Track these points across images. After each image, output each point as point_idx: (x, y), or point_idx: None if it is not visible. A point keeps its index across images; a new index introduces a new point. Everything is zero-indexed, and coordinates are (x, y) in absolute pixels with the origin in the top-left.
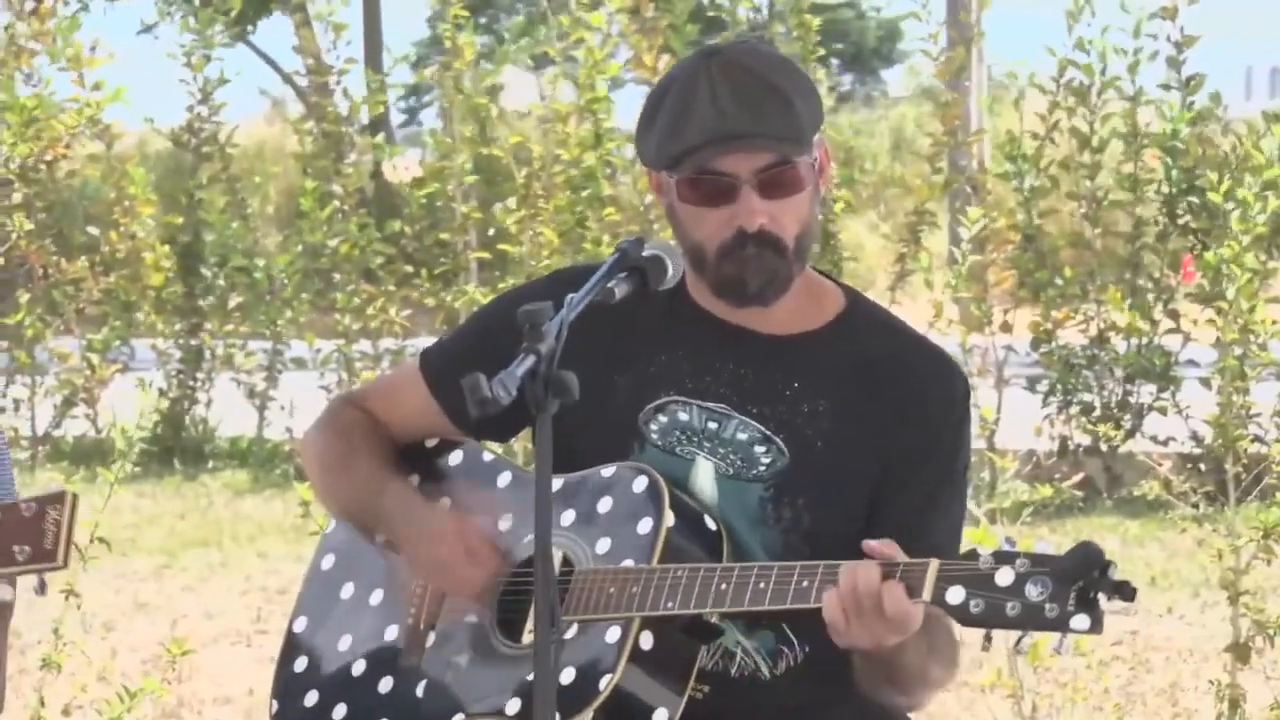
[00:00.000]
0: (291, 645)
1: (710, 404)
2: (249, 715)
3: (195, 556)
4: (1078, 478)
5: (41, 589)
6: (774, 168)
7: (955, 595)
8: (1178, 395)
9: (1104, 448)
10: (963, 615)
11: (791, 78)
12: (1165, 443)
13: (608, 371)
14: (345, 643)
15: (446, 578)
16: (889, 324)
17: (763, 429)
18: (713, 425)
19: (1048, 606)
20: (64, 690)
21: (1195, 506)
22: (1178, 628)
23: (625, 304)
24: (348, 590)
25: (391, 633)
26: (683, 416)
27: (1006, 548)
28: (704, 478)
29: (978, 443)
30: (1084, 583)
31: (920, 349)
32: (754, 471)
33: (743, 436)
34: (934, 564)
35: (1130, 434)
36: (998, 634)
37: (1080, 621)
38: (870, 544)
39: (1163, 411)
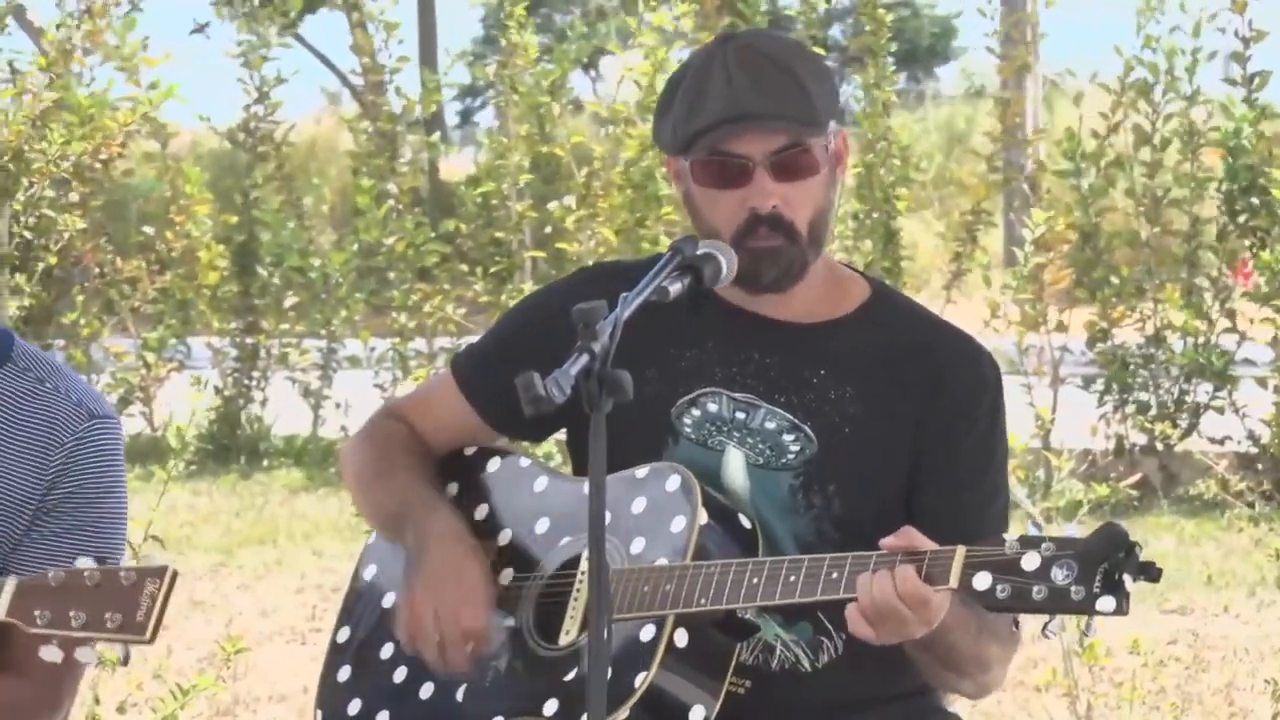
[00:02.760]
0: (335, 655)
1: (738, 395)
2: (303, 713)
3: (251, 554)
4: (1134, 477)
5: (125, 660)
6: (787, 150)
7: (982, 581)
8: (1234, 394)
9: (1160, 447)
10: (990, 601)
11: (807, 63)
12: (1222, 442)
13: (638, 366)
14: (387, 651)
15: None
16: (914, 311)
17: (791, 417)
18: (741, 415)
19: (1074, 589)
20: (119, 688)
21: (1251, 506)
22: (1234, 627)
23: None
24: (389, 600)
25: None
26: (713, 408)
27: (1033, 532)
28: (735, 468)
29: (1034, 442)
30: (1109, 564)
31: (946, 334)
32: (783, 460)
33: (771, 425)
34: (960, 550)
35: (1187, 433)
36: (1044, 629)
37: (1106, 603)
38: (886, 540)
39: (1219, 411)
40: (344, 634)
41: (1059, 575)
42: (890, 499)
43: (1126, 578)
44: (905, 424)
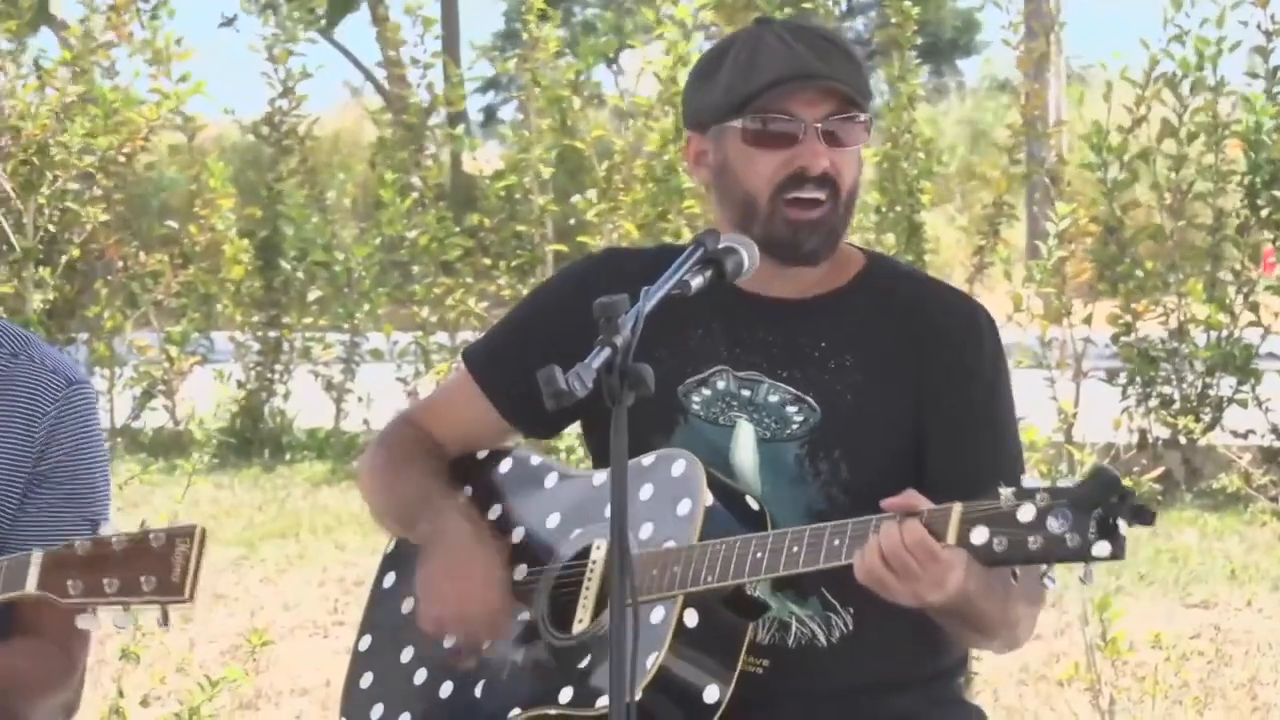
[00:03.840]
0: (357, 663)
1: (742, 372)
2: (325, 706)
3: (273, 548)
4: (1157, 471)
5: (164, 621)
6: (838, 115)
7: (979, 535)
8: (1258, 388)
9: (1183, 441)
10: (988, 554)
11: (846, 43)
12: (1245, 436)
13: (649, 347)
14: (407, 654)
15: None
16: (908, 273)
17: (793, 390)
18: (746, 393)
19: (1069, 536)
20: (142, 681)
21: (1275, 500)
22: (1257, 621)
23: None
24: (408, 605)
25: (449, 640)
26: (721, 385)
27: (1028, 484)
28: (745, 442)
29: (1057, 435)
30: (1103, 509)
31: (939, 290)
32: (788, 431)
33: (774, 399)
34: (957, 507)
35: (1210, 427)
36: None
37: (1102, 548)
38: (888, 500)
39: (1243, 404)
40: (365, 642)
41: (1054, 524)
42: (897, 459)
43: (1121, 522)
44: (906, 384)
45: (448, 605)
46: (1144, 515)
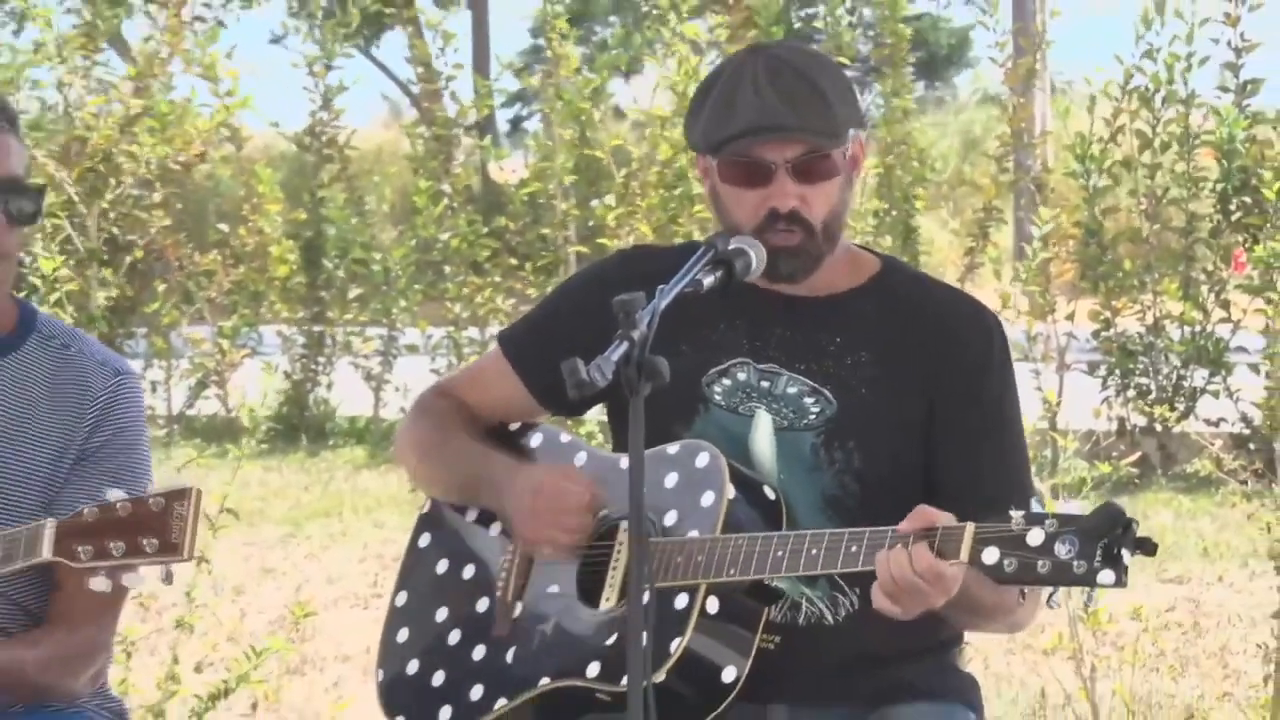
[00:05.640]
0: (394, 618)
1: (762, 365)
2: (366, 671)
3: (318, 526)
4: (1134, 456)
5: (168, 579)
6: (807, 156)
7: (990, 556)
8: (1228, 379)
9: (1159, 428)
10: (998, 574)
11: (830, 76)
12: (1216, 424)
13: (674, 341)
14: (442, 614)
15: (538, 528)
16: (923, 280)
17: (810, 382)
18: (765, 384)
19: (1075, 563)
20: (196, 649)
21: (1244, 483)
22: (1228, 595)
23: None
24: (443, 566)
25: (483, 604)
26: (741, 376)
27: (1037, 509)
28: (763, 431)
29: (1041, 423)
30: (1108, 540)
31: (954, 297)
32: (805, 421)
33: (792, 391)
34: (970, 527)
35: (1184, 415)
36: (1048, 599)
37: (1106, 576)
38: (903, 526)
39: (1214, 395)
40: (402, 598)
41: (1062, 550)
42: (907, 451)
43: (1125, 552)
44: (918, 381)
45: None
46: (1147, 546)
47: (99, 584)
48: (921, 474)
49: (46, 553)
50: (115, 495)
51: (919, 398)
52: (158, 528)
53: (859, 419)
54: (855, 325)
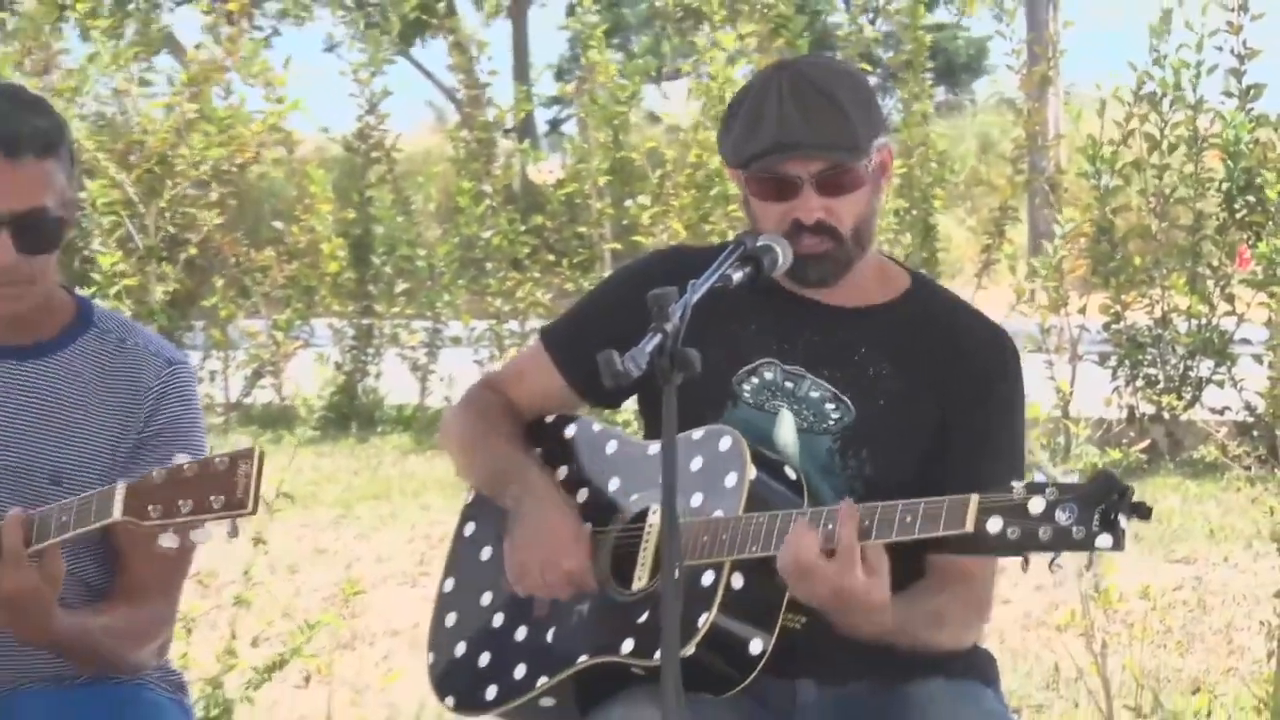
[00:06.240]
0: (442, 603)
1: (789, 366)
2: (413, 645)
3: (367, 509)
4: (1144, 443)
5: (234, 533)
6: (829, 171)
7: (994, 525)
8: (1233, 370)
9: (1167, 416)
10: (1002, 542)
11: (851, 90)
12: (1221, 412)
13: (708, 338)
14: (486, 599)
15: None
16: (948, 300)
17: (832, 389)
18: (789, 385)
19: (1075, 529)
20: (253, 624)
21: (1248, 468)
22: (1233, 575)
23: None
24: (486, 553)
25: (535, 591)
26: (768, 376)
27: (1038, 479)
28: (786, 428)
29: (1054, 412)
30: (1105, 506)
31: (975, 320)
32: (824, 425)
33: (815, 395)
34: (974, 498)
35: (1190, 404)
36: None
37: (1104, 540)
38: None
39: (1220, 384)
40: (449, 584)
41: (1062, 517)
42: (915, 465)
43: (1121, 517)
44: (935, 398)
45: (530, 567)
46: (1142, 510)
47: (168, 540)
48: (927, 486)
49: (117, 513)
50: (182, 458)
51: (934, 413)
52: (224, 485)
53: (875, 429)
54: (881, 338)
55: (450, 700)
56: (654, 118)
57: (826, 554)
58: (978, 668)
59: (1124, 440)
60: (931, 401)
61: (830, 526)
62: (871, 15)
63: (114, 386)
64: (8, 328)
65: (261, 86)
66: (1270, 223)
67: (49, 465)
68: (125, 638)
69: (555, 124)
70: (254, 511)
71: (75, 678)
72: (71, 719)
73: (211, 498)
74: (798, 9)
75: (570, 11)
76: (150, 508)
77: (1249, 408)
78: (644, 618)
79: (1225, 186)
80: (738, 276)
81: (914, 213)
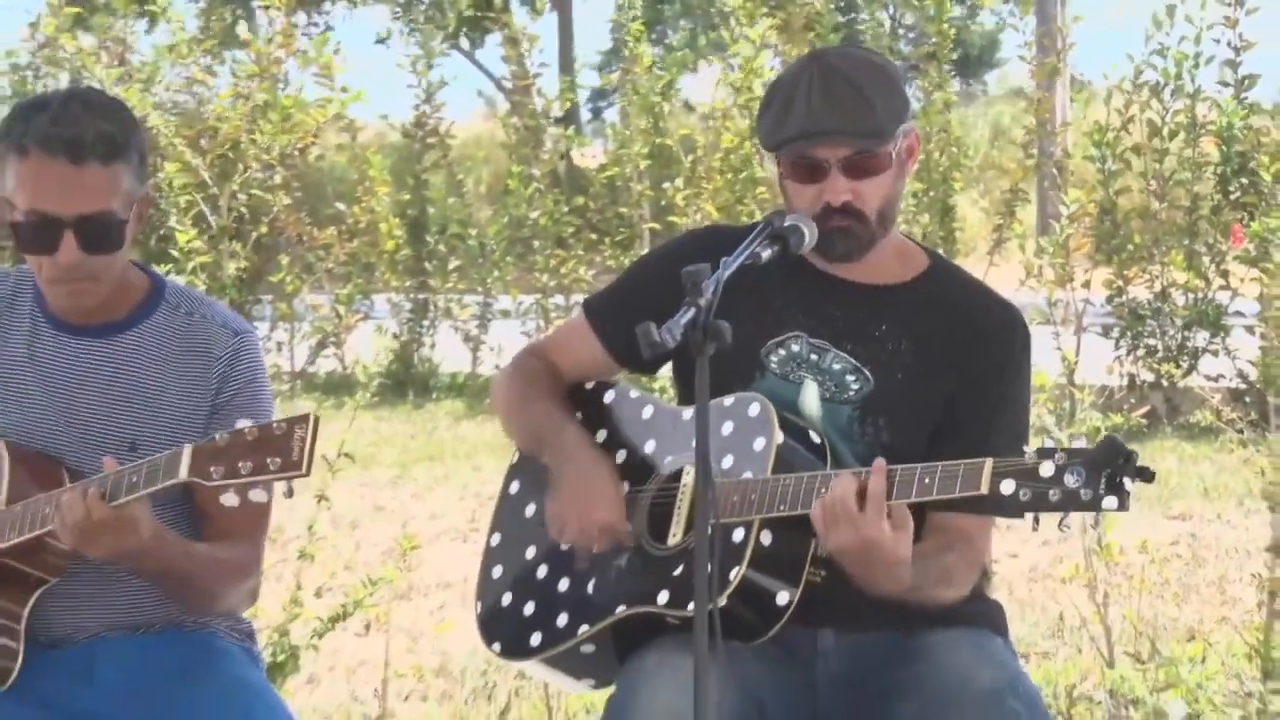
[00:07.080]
0: (489, 556)
1: (814, 340)
2: (464, 597)
3: (422, 470)
4: (1144, 409)
5: (290, 493)
6: (856, 155)
7: (1007, 487)
8: (1227, 340)
9: (1165, 384)
10: (1014, 503)
11: (878, 80)
12: (1216, 379)
13: (740, 312)
14: (531, 552)
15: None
16: (964, 280)
17: (854, 361)
18: (814, 357)
19: (1083, 491)
20: (316, 576)
21: (1241, 431)
22: (1226, 531)
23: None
24: (530, 510)
25: (572, 545)
26: (795, 348)
27: (1048, 445)
28: (811, 397)
29: (1060, 379)
30: (1111, 469)
31: (990, 298)
32: (845, 395)
33: (837, 367)
34: (988, 462)
35: (1187, 372)
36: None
37: (1110, 502)
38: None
39: (1215, 354)
40: (495, 539)
41: (1070, 480)
42: (929, 433)
43: (1126, 480)
44: (949, 372)
45: (569, 521)
46: (1146, 474)
47: (229, 499)
48: (937, 454)
49: (183, 474)
50: (243, 423)
51: (946, 384)
52: (281, 448)
53: (893, 400)
54: (900, 315)
55: (497, 646)
56: (689, 106)
57: (859, 503)
58: (988, 617)
59: (1125, 406)
60: (946, 378)
61: (865, 476)
62: (892, 10)
63: (185, 358)
64: (85, 309)
65: (322, 77)
66: (1262, 203)
67: (128, 435)
68: (222, 569)
69: (597, 112)
70: (307, 473)
71: (151, 625)
72: (148, 663)
73: (269, 460)
74: (833, 8)
75: (619, 8)
76: (213, 469)
77: (1242, 375)
78: (678, 571)
79: (1221, 170)
80: (766, 254)
81: (932, 194)
